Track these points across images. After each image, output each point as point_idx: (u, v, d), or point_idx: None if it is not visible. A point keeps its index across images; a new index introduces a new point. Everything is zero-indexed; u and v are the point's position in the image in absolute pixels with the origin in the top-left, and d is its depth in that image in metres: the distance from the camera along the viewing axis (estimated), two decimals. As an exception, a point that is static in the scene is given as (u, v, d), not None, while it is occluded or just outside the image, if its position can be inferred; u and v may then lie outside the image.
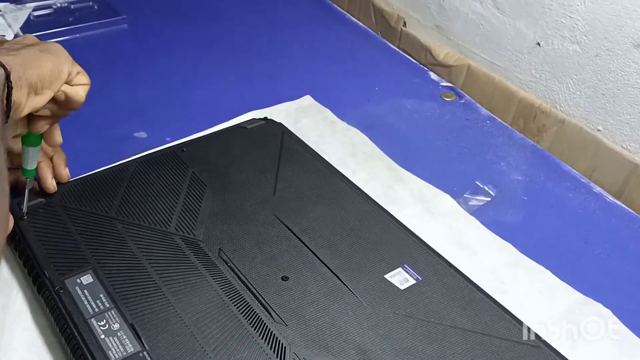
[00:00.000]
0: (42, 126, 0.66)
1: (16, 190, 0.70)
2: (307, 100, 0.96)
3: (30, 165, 0.67)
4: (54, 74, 0.61)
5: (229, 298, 0.61)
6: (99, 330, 0.57)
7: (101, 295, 0.60)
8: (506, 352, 0.58)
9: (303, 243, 0.68)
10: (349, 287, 0.63)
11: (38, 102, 0.59)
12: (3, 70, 0.54)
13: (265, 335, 0.58)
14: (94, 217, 0.69)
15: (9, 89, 0.54)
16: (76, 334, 0.57)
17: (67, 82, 0.63)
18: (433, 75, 1.03)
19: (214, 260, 0.65)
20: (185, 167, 0.77)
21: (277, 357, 0.56)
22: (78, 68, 0.65)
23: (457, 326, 0.60)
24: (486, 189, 0.81)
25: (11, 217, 0.66)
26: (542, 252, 0.72)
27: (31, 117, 0.65)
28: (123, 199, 0.72)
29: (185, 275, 0.63)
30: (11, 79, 0.55)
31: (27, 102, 0.58)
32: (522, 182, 0.83)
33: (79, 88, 0.65)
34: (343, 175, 0.78)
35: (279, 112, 0.91)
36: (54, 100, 0.63)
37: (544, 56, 0.94)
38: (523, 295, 0.67)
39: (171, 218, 0.70)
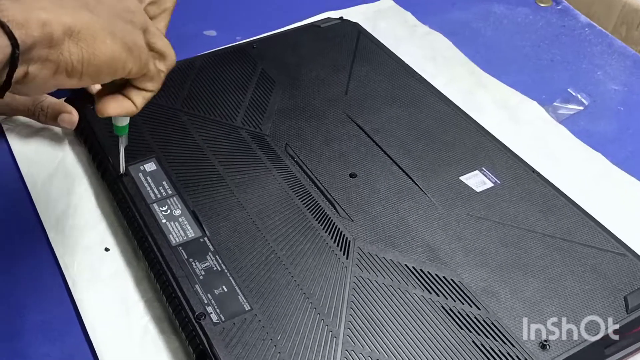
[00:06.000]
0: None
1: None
2: (387, 2, 0.90)
3: (121, 121, 0.54)
4: (109, 68, 0.42)
5: (293, 192, 0.59)
6: (161, 215, 0.56)
7: (164, 183, 0.59)
8: (588, 259, 0.53)
9: (374, 142, 0.64)
10: (420, 186, 0.59)
11: (66, 84, 0.41)
12: (8, 42, 0.36)
13: (329, 229, 0.55)
14: (160, 109, 0.67)
15: (12, 65, 0.37)
16: (138, 217, 0.56)
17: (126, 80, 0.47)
18: (527, -21, 0.94)
19: (280, 154, 0.62)
20: (254, 64, 0.74)
21: (340, 250, 0.53)
22: (150, 67, 0.46)
23: (535, 230, 0.55)
24: (579, 97, 0.74)
25: (74, 110, 0.65)
26: (635, 165, 0.66)
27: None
28: (189, 93, 0.70)
29: (249, 167, 0.61)
30: (21, 56, 0.37)
31: (50, 80, 0.40)
32: (620, 92, 0.75)
33: (136, 95, 0.48)
34: (421, 77, 0.73)
35: (356, 14, 0.86)
36: None
37: (655, -43, 0.84)
38: (610, 206, 0.61)
39: (238, 112, 0.67)
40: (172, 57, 0.49)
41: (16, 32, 0.36)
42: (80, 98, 0.67)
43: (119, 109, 0.48)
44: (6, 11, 0.36)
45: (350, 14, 0.85)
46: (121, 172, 0.59)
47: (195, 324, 0.47)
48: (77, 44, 0.40)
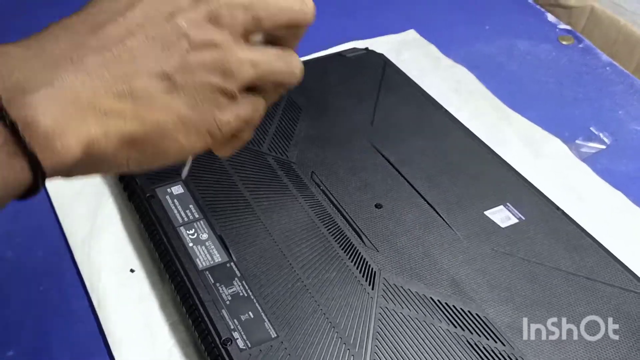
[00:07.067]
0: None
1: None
2: (412, 34, 0.91)
3: None
4: (174, 160, 0.34)
5: (319, 220, 0.59)
6: (188, 239, 0.57)
7: (191, 206, 0.60)
8: (611, 298, 0.53)
9: (399, 173, 0.64)
10: (445, 219, 0.60)
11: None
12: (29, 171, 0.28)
13: (355, 259, 0.55)
14: (189, 132, 0.68)
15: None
16: (165, 240, 0.57)
17: None
18: (550, 17, 0.95)
19: (306, 182, 0.63)
20: (282, 91, 0.75)
21: (366, 280, 0.53)
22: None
23: (559, 268, 0.55)
24: (601, 136, 0.75)
25: None
26: (658, 205, 0.66)
27: None
28: (218, 117, 0.70)
29: (276, 194, 0.62)
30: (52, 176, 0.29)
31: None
32: (641, 132, 0.76)
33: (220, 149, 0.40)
34: (446, 110, 0.74)
35: (380, 44, 0.87)
36: None
37: (678, -1, 0.85)
38: (633, 245, 0.61)
39: (264, 138, 0.68)
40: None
41: (41, 156, 0.27)
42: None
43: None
44: (36, 116, 0.26)
45: (375, 44, 0.86)
46: (183, 177, 0.61)
47: (222, 350, 0.48)
48: (137, 149, 0.32)
